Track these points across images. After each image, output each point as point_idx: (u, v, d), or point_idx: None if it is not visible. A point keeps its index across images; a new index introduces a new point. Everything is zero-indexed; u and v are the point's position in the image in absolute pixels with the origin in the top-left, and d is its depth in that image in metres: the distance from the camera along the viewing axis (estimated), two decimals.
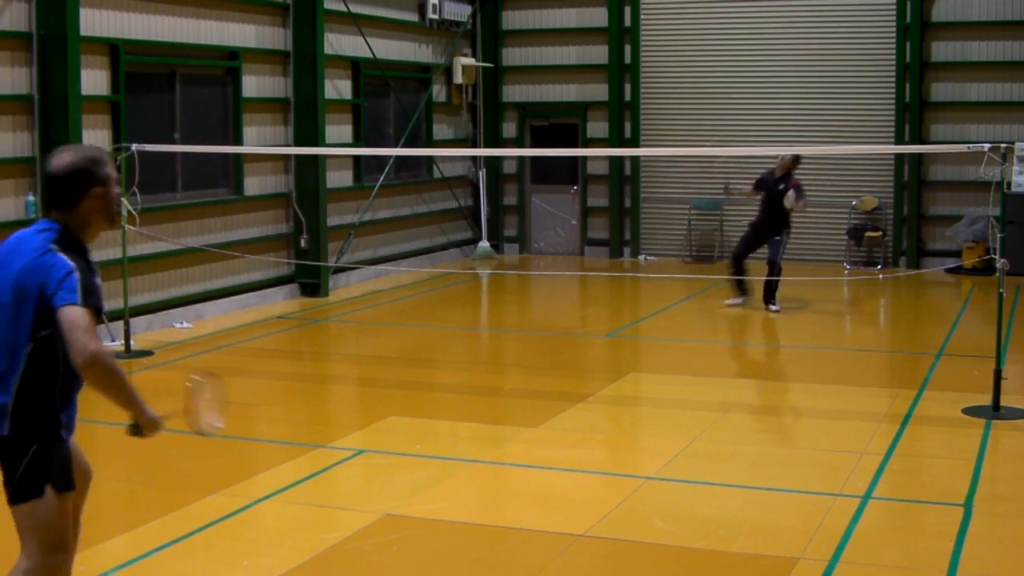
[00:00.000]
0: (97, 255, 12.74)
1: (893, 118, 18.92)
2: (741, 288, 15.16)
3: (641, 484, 8.05)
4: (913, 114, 18.75)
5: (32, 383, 4.54)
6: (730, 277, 15.32)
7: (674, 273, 18.41)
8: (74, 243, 4.59)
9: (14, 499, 4.57)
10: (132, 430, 4.89)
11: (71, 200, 4.62)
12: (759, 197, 15.20)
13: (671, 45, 20.22)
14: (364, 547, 6.86)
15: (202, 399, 5.38)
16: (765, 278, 14.81)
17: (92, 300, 4.45)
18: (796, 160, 14.93)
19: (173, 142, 14.15)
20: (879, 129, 19.05)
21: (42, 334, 4.50)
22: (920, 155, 18.76)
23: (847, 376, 11.54)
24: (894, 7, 18.77)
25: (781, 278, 14.89)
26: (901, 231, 19.14)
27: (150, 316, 13.68)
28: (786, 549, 6.70)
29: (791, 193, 14.66)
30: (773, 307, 14.81)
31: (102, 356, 4.43)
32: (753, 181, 15.33)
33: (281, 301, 15.89)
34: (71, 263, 4.46)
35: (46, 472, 4.57)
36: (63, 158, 4.64)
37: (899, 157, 18.90)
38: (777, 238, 14.85)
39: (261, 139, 15.78)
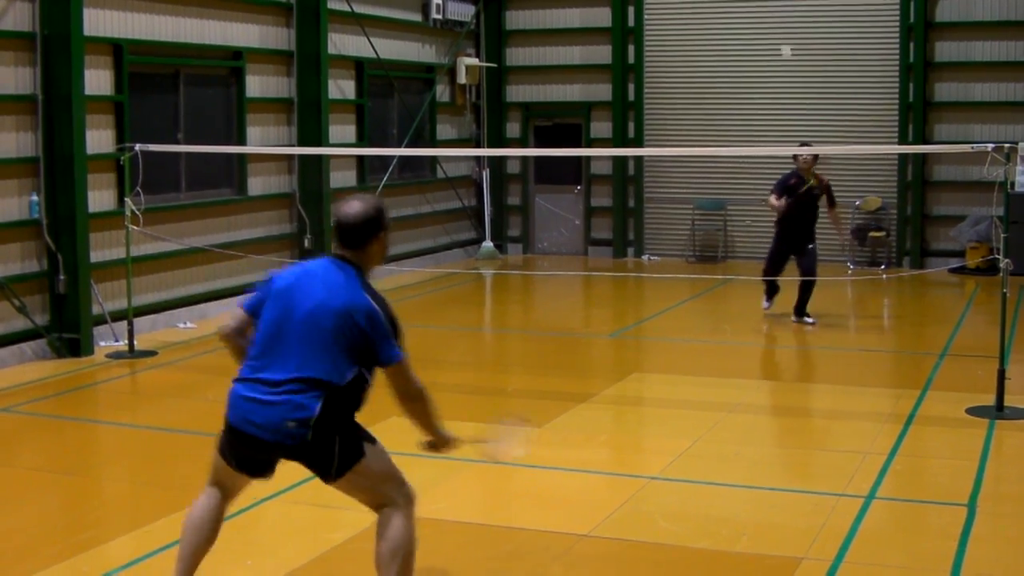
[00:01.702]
0: (101, 255, 12.79)
1: (897, 118, 18.91)
2: (772, 293, 14.16)
3: (645, 484, 8.05)
4: (917, 114, 18.74)
5: (336, 405, 5.33)
6: (765, 280, 14.18)
7: (678, 273, 18.41)
8: (369, 285, 5.42)
9: (340, 471, 5.36)
10: (428, 447, 5.81)
11: (363, 242, 5.42)
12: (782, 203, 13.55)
13: (675, 45, 20.22)
14: (367, 547, 6.83)
15: (508, 439, 6.25)
16: (800, 289, 13.87)
17: (402, 337, 5.46)
18: (816, 156, 13.81)
19: (177, 142, 14.16)
20: (883, 129, 19.04)
21: (356, 370, 5.39)
22: (924, 155, 18.75)
23: (851, 376, 11.54)
24: (898, 7, 18.77)
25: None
26: (905, 231, 19.13)
27: (154, 316, 13.69)
28: (790, 549, 6.70)
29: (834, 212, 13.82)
30: (808, 320, 13.96)
31: (427, 393, 5.60)
32: (777, 187, 13.70)
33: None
34: (384, 312, 5.37)
35: (357, 440, 5.45)
36: (355, 206, 5.44)
37: (903, 157, 18.89)
38: (811, 246, 13.70)
39: (265, 139, 15.79)
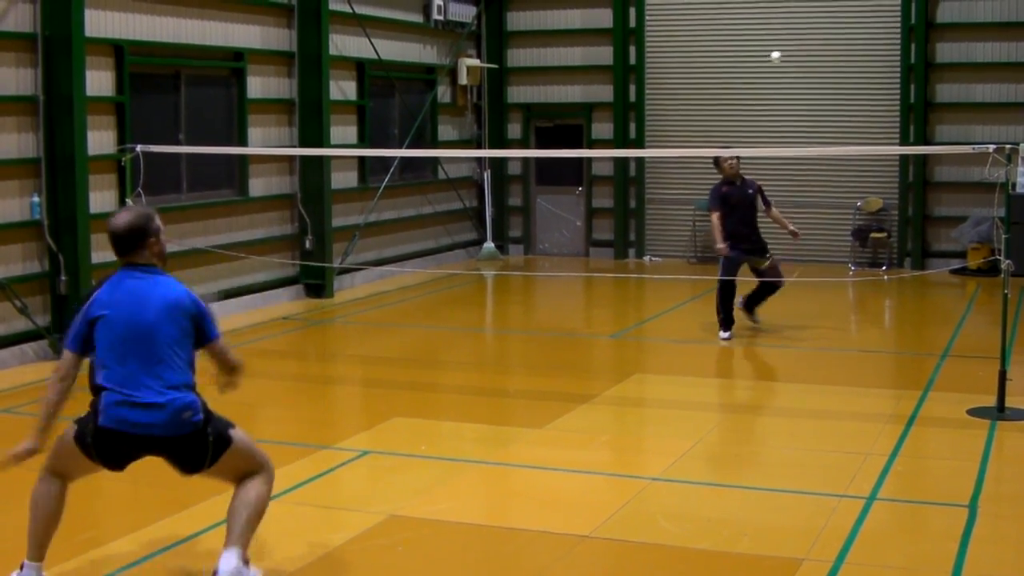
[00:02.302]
0: (102, 256, 12.79)
1: (898, 119, 18.91)
2: (730, 319, 13.52)
3: (646, 485, 8.05)
4: (918, 115, 18.74)
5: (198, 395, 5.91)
6: (721, 308, 13.46)
7: (679, 274, 18.40)
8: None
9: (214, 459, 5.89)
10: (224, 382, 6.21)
11: (138, 247, 5.96)
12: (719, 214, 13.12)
13: (676, 46, 20.23)
14: (369, 548, 6.87)
15: None
16: (761, 286, 13.54)
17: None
18: (738, 159, 13.39)
19: (178, 143, 14.16)
20: (884, 130, 19.04)
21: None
22: (925, 156, 18.75)
23: (852, 377, 11.54)
24: (899, 8, 18.77)
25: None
26: (906, 232, 19.13)
27: None
28: (791, 550, 6.70)
29: (775, 211, 13.43)
30: (756, 320, 13.78)
31: (241, 360, 6.29)
32: (712, 203, 13.22)
33: (286, 302, 15.90)
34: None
35: (224, 427, 5.98)
36: (123, 217, 5.98)
37: (904, 158, 18.89)
38: (768, 254, 13.34)
39: (266, 140, 15.80)
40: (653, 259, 20.39)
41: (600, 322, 15.53)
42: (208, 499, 7.58)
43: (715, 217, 13.09)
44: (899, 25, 18.81)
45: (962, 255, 18.32)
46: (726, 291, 13.23)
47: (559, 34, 20.92)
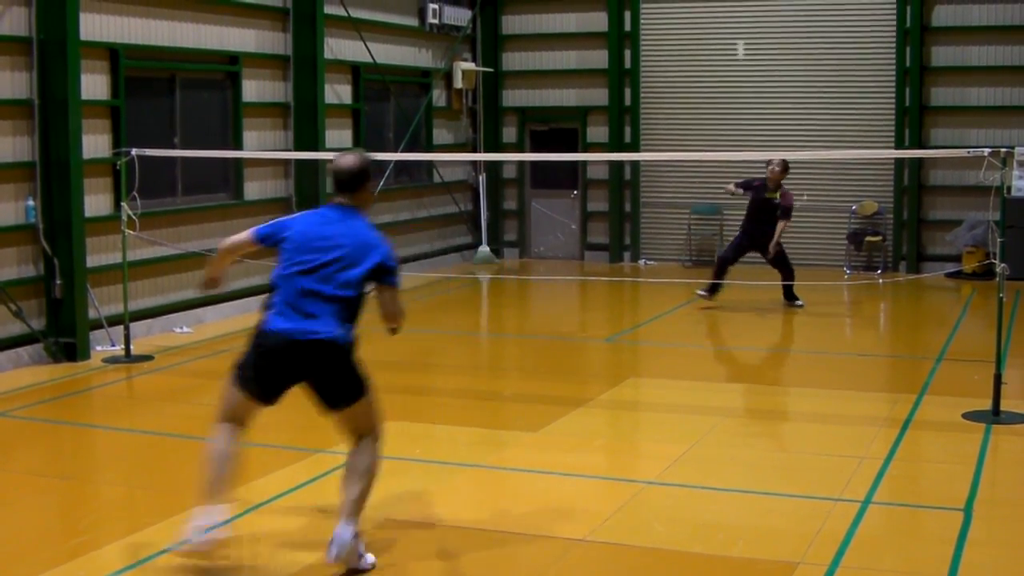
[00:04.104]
0: (97, 260, 12.79)
1: (893, 122, 18.94)
2: (717, 286, 15.43)
3: (641, 489, 8.05)
4: (913, 118, 18.76)
5: (354, 333, 6.38)
6: (713, 279, 15.46)
7: (674, 278, 18.39)
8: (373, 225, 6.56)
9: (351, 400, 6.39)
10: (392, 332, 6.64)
11: (358, 188, 6.53)
12: (744, 196, 15.47)
13: (671, 50, 20.24)
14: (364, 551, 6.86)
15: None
16: (782, 278, 15.39)
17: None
18: (786, 168, 15.10)
19: (173, 147, 14.15)
20: (879, 133, 19.06)
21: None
22: (920, 159, 18.77)
23: (847, 380, 11.55)
24: (894, 11, 18.79)
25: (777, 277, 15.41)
26: (901, 236, 19.14)
27: (150, 320, 13.69)
28: (786, 554, 6.70)
29: (780, 224, 15.08)
30: (798, 303, 15.39)
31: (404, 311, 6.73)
32: (742, 181, 15.52)
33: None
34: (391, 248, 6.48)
35: (364, 377, 6.46)
36: (351, 158, 6.56)
37: (899, 162, 18.91)
38: (768, 250, 15.19)
39: (261, 144, 15.79)
40: (648, 263, 20.40)
41: (595, 326, 15.53)
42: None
43: (730, 187, 15.45)
44: (894, 28, 18.83)
45: (957, 259, 18.33)
46: (722, 263, 15.38)
47: (554, 38, 20.93)
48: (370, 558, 6.45)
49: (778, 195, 15.06)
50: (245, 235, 6.85)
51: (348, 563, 6.30)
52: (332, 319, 6.25)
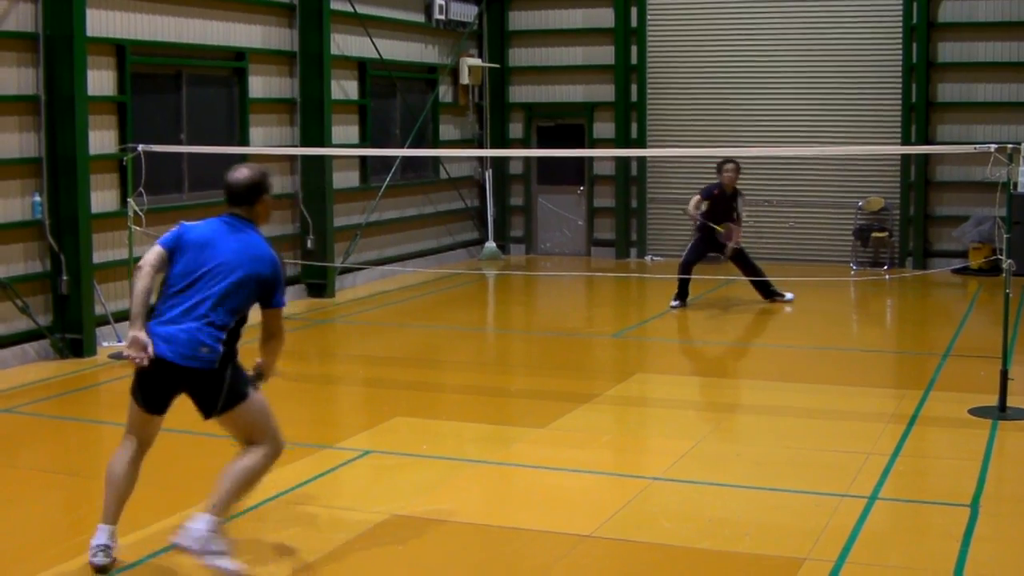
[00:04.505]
0: (103, 256, 12.80)
1: (899, 119, 18.90)
2: (685, 292, 15.26)
3: (647, 485, 8.05)
4: (919, 115, 18.73)
5: (231, 344, 6.30)
6: (679, 277, 15.30)
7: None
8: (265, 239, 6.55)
9: (224, 408, 6.25)
10: (256, 375, 6.54)
11: (253, 201, 6.64)
12: (702, 210, 15.08)
13: (677, 46, 20.22)
14: (370, 548, 6.87)
15: None
16: (754, 277, 15.31)
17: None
18: (739, 168, 15.21)
19: (179, 143, 14.16)
20: (885, 130, 19.03)
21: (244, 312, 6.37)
22: (926, 156, 18.74)
23: (853, 376, 11.54)
24: (900, 8, 18.76)
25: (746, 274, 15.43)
26: (907, 232, 19.12)
27: None
28: (792, 550, 6.70)
29: (733, 227, 15.14)
30: (787, 296, 15.45)
31: (284, 335, 6.89)
32: (700, 197, 15.15)
33: (288, 301, 15.87)
34: (281, 263, 6.44)
35: (243, 383, 6.32)
36: (243, 172, 6.67)
37: (905, 158, 18.88)
38: (737, 246, 15.19)
39: (267, 140, 15.80)
40: (655, 259, 20.38)
41: (601, 322, 15.52)
42: (206, 501, 7.59)
43: (695, 200, 15.16)
44: (901, 25, 18.80)
45: (963, 255, 18.31)
46: (685, 267, 15.22)
47: (561, 34, 20.91)
48: (229, 564, 6.02)
49: (732, 195, 15.22)
50: None
51: (195, 555, 6.03)
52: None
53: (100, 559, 6.31)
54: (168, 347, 6.15)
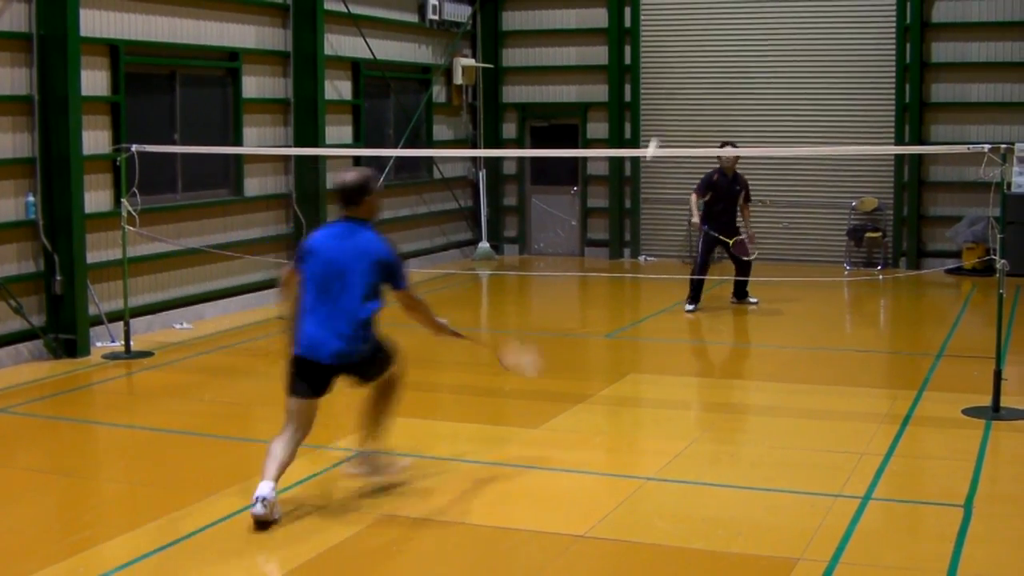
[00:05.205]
0: (97, 256, 12.79)
1: (893, 119, 18.93)
2: (698, 295, 15.04)
3: (641, 485, 8.05)
4: (913, 115, 18.75)
5: (373, 329, 7.44)
6: (693, 279, 15.06)
7: (674, 274, 18.39)
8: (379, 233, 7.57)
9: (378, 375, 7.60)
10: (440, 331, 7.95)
11: (360, 201, 7.52)
12: (706, 199, 14.97)
13: (671, 46, 20.24)
14: (364, 547, 6.87)
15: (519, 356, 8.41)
16: (737, 273, 15.26)
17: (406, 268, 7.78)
18: (737, 157, 15.07)
19: (173, 143, 14.15)
20: (879, 130, 19.05)
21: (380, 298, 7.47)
22: (920, 156, 18.76)
23: (847, 377, 11.55)
24: (894, 8, 18.78)
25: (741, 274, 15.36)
26: (901, 232, 19.14)
27: (150, 317, 13.69)
28: (786, 550, 6.71)
29: (744, 239, 15.03)
30: (752, 300, 15.36)
31: (424, 301, 7.78)
32: (699, 188, 15.00)
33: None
34: (396, 253, 7.52)
35: (386, 352, 7.60)
36: (352, 175, 7.54)
37: (899, 158, 18.90)
38: (739, 236, 15.06)
39: (261, 140, 15.79)
40: (648, 259, 20.40)
41: (595, 322, 15.53)
42: (202, 500, 7.59)
43: (694, 197, 15.04)
44: (894, 25, 18.82)
45: (957, 255, 18.34)
46: (700, 269, 14.96)
47: (554, 34, 20.92)
48: (401, 464, 8.05)
49: (733, 178, 14.95)
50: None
51: (371, 475, 7.81)
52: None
53: (259, 509, 6.95)
54: (322, 348, 7.23)
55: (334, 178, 7.46)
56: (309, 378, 7.35)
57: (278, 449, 7.25)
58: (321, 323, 7.22)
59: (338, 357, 7.24)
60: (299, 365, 7.35)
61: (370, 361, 7.41)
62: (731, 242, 14.90)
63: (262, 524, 6.98)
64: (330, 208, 16.61)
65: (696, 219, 14.97)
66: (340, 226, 7.48)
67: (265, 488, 6.99)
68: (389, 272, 7.38)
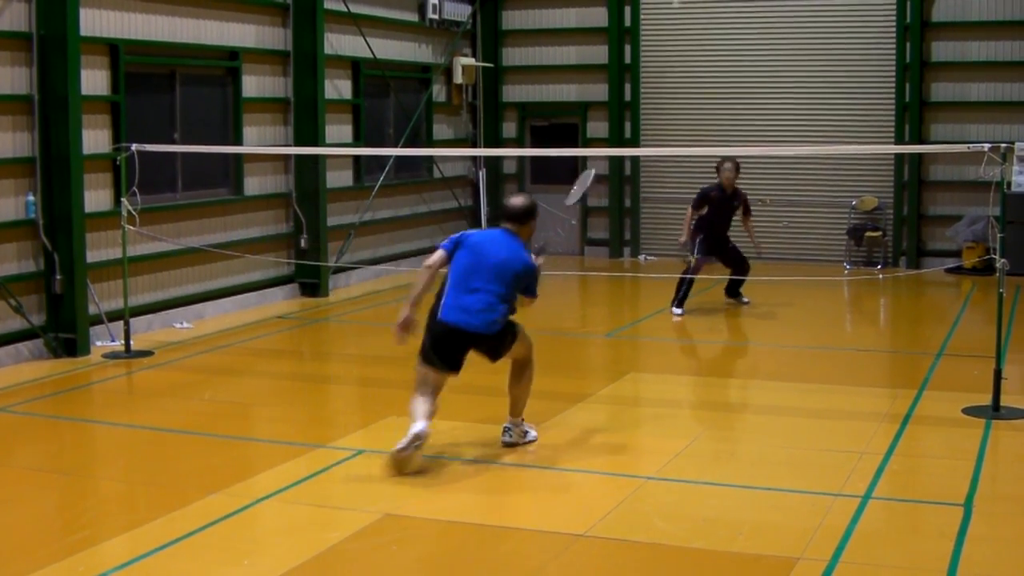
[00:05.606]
0: (97, 255, 12.79)
1: (893, 118, 18.93)
2: (685, 299, 14.87)
3: (641, 484, 8.05)
4: (913, 114, 18.75)
5: (507, 315, 8.58)
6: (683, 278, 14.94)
7: (674, 273, 18.36)
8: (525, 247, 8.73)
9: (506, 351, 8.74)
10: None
11: (525, 221, 8.75)
12: (702, 212, 14.73)
13: (671, 45, 20.23)
14: (364, 547, 6.87)
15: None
16: (734, 273, 15.25)
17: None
18: (739, 167, 14.91)
19: (173, 142, 14.14)
20: (879, 129, 19.05)
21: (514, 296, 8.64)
22: (920, 155, 18.76)
23: (847, 376, 11.54)
24: (894, 7, 18.78)
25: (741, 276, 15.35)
26: (901, 231, 19.14)
27: (150, 316, 13.69)
28: (786, 549, 6.71)
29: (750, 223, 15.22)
30: (744, 300, 15.33)
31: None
32: (695, 203, 14.76)
33: (281, 301, 15.89)
34: (536, 267, 8.70)
35: (515, 330, 8.72)
36: (520, 200, 8.80)
37: (899, 157, 18.90)
38: (731, 245, 15.02)
39: (261, 139, 15.79)
40: (648, 258, 20.39)
41: (595, 321, 15.53)
42: (202, 499, 7.59)
43: (689, 214, 14.86)
44: (894, 24, 18.82)
45: (957, 254, 18.34)
46: (693, 272, 14.86)
47: (554, 33, 20.92)
48: (534, 434, 9.05)
49: (732, 194, 14.84)
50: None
51: (517, 443, 8.89)
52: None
53: (405, 443, 7.99)
54: (465, 318, 8.29)
55: (506, 199, 8.92)
56: (446, 349, 8.35)
57: (421, 402, 8.26)
58: (467, 302, 8.30)
59: (479, 327, 8.29)
60: (439, 335, 8.34)
61: (501, 337, 8.45)
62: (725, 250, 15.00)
63: (402, 461, 8.02)
64: (330, 208, 16.63)
65: (685, 238, 14.86)
66: (500, 234, 8.60)
67: (419, 424, 8.06)
68: (529, 282, 8.54)
